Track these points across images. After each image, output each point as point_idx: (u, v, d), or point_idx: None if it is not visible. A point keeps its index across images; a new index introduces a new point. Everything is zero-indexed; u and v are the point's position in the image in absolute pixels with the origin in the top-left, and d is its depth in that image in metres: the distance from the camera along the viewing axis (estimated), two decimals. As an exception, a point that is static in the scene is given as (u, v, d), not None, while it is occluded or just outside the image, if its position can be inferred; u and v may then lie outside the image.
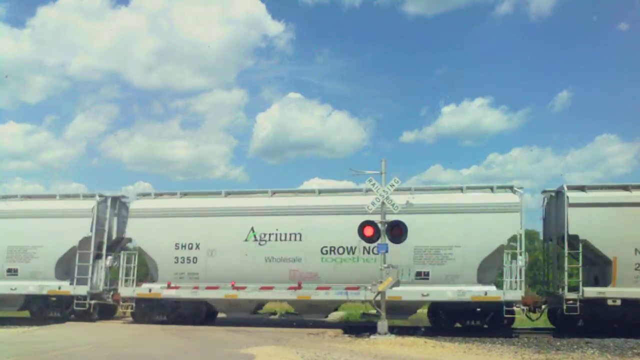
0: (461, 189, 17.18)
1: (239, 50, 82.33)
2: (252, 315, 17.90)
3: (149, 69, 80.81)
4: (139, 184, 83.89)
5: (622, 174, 79.82)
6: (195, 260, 17.48)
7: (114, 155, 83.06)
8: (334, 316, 23.08)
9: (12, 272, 18.64)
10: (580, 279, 15.93)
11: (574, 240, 16.09)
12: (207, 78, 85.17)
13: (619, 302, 15.49)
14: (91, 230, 18.51)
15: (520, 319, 19.69)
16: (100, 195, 19.07)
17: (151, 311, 17.73)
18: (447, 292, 15.98)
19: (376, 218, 14.78)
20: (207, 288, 17.30)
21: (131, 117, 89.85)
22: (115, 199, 19.59)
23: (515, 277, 15.73)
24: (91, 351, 12.11)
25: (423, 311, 25.66)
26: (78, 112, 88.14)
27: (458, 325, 16.66)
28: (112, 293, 18.82)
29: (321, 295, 16.67)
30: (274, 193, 18.07)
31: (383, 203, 14.69)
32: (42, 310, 18.90)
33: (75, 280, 18.29)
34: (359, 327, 17.30)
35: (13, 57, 72.18)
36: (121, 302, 18.26)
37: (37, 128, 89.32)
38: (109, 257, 19.04)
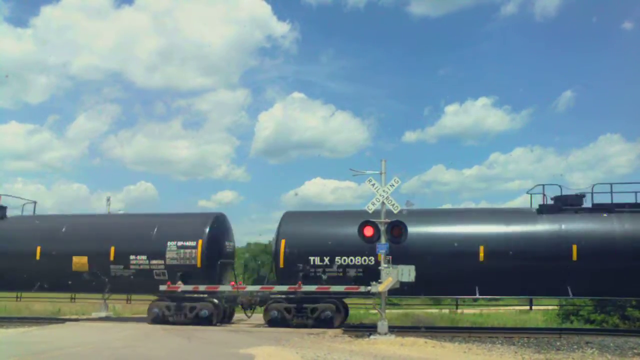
0: None
1: (243, 50, 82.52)
2: None
3: (152, 69, 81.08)
4: (140, 184, 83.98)
5: (624, 174, 79.85)
6: None
7: (116, 155, 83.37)
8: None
9: None
10: None
11: None
12: (211, 78, 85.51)
13: None
14: None
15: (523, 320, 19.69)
16: None
17: None
18: None
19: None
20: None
21: (133, 117, 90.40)
22: None
23: None
24: (91, 351, 12.12)
25: (424, 311, 25.79)
26: (80, 112, 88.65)
27: None
28: None
29: None
30: None
31: (383, 203, 14.71)
32: None
33: None
34: (359, 327, 17.33)
35: (16, 56, 72.57)
36: None
37: (39, 128, 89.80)
38: None
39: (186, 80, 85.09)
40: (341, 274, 16.44)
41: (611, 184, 16.43)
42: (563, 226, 16.09)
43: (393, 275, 14.34)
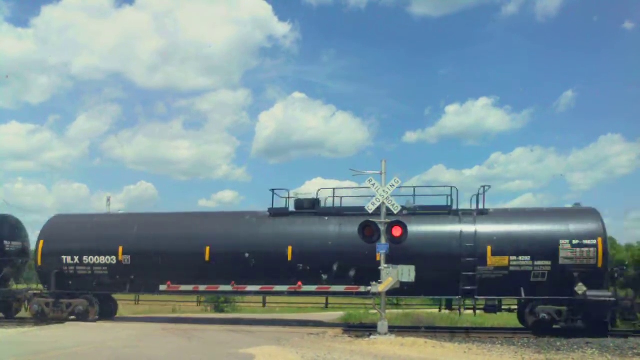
0: None
1: (244, 50, 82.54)
2: None
3: (152, 69, 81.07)
4: (140, 184, 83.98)
5: (624, 175, 79.83)
6: None
7: (117, 155, 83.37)
8: (334, 316, 23.11)
9: None
10: None
11: None
12: (211, 78, 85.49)
13: None
14: None
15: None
16: None
17: None
18: None
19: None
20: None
21: (134, 117, 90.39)
22: None
23: None
24: (91, 351, 12.13)
25: (425, 311, 25.70)
26: (81, 112, 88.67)
27: None
28: None
29: None
30: None
31: (383, 203, 14.70)
32: None
33: None
34: (359, 327, 17.33)
35: (16, 56, 72.57)
36: None
37: (40, 128, 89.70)
38: None
39: (187, 81, 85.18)
40: (90, 272, 18.01)
41: (334, 189, 17.80)
42: (281, 228, 17.28)
43: (393, 275, 14.33)
